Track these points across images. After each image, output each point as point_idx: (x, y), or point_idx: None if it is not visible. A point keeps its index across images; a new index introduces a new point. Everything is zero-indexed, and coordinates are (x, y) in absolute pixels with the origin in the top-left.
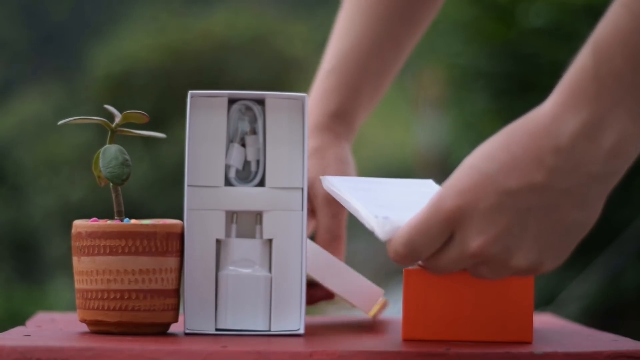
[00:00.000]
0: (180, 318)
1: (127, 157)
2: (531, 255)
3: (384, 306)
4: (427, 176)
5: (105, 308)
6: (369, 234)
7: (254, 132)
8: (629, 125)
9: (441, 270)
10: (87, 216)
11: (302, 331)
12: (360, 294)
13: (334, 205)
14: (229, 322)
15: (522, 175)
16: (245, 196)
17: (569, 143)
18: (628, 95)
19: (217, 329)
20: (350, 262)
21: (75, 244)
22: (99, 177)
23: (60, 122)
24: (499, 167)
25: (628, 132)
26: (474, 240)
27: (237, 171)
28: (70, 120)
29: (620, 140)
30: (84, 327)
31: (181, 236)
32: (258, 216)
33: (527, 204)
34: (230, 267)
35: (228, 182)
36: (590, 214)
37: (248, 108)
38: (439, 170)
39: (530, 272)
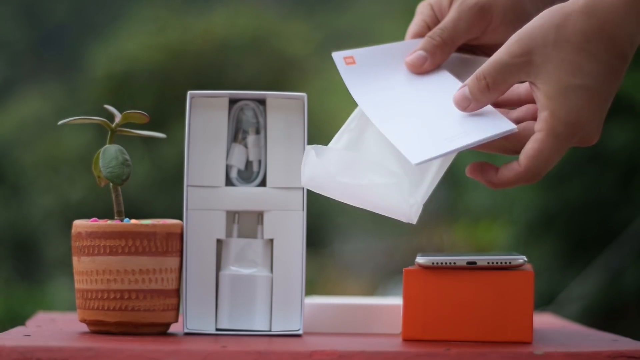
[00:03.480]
0: (180, 318)
1: (127, 157)
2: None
3: None
4: None
5: (105, 308)
6: (368, 234)
7: (255, 132)
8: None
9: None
10: (87, 216)
11: (302, 331)
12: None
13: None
14: (229, 322)
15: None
16: (246, 196)
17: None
18: None
19: (217, 329)
20: (350, 262)
21: (75, 244)
22: (99, 177)
23: (60, 122)
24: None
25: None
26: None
27: (239, 171)
28: (70, 120)
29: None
30: (84, 327)
31: (181, 236)
32: (259, 216)
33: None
34: (231, 267)
35: (230, 182)
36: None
37: (249, 108)
38: None
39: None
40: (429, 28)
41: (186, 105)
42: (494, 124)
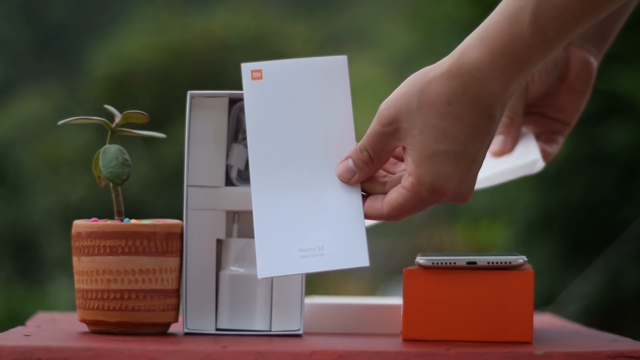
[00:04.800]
0: (180, 318)
1: (127, 157)
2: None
3: None
4: None
5: (105, 308)
6: (368, 234)
7: None
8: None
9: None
10: (87, 216)
11: (302, 331)
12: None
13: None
14: (229, 322)
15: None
16: (246, 196)
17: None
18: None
19: (217, 329)
20: None
21: (75, 244)
22: (99, 177)
23: (60, 122)
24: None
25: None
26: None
27: (239, 171)
28: (70, 120)
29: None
30: (84, 327)
31: (181, 236)
32: None
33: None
34: (231, 267)
35: (230, 182)
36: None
37: None
38: None
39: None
40: None
41: (186, 105)
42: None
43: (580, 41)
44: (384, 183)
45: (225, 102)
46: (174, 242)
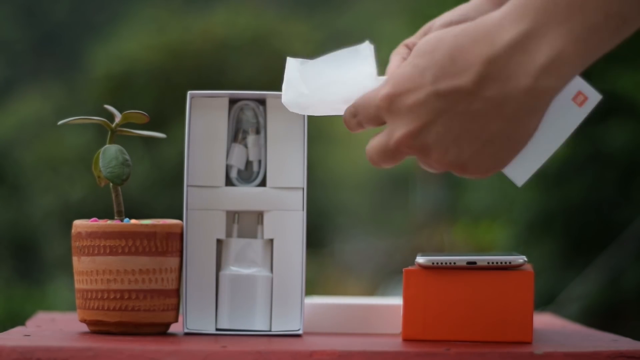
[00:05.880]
0: (180, 318)
1: (127, 157)
2: (451, 155)
3: None
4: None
5: (105, 308)
6: (368, 234)
7: (255, 132)
8: (568, 45)
9: (371, 155)
10: (87, 216)
11: (302, 331)
12: None
13: None
14: (229, 322)
15: (452, 78)
16: (246, 196)
17: (503, 52)
18: (574, 16)
19: (217, 329)
20: (350, 262)
21: (75, 244)
22: (99, 177)
23: (60, 122)
24: (434, 67)
25: (565, 52)
26: (397, 131)
27: (239, 171)
28: (70, 120)
29: (555, 58)
30: (84, 327)
31: (181, 236)
32: (259, 216)
33: (453, 106)
34: (231, 267)
35: (230, 182)
36: (518, 128)
37: (249, 108)
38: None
39: (452, 169)
40: None
41: (186, 105)
42: None
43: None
44: None
45: (225, 102)
46: (174, 242)
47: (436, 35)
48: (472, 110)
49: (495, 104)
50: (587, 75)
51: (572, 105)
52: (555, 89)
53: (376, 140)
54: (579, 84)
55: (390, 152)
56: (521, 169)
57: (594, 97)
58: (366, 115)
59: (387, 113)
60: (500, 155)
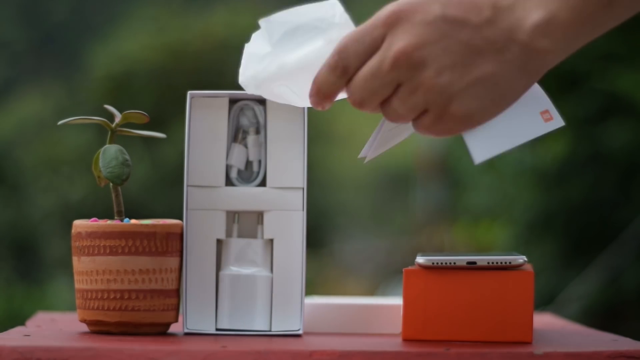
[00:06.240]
0: (180, 318)
1: (127, 157)
2: (444, 78)
3: None
4: (427, 177)
5: (105, 308)
6: (368, 234)
7: (255, 132)
8: (561, 10)
9: (359, 87)
10: (87, 216)
11: (302, 331)
12: None
13: None
14: (229, 322)
15: (461, 10)
16: (246, 196)
17: (505, 2)
18: None
19: (217, 329)
20: (350, 261)
21: (75, 244)
22: (99, 177)
23: (60, 122)
24: None
25: (559, 17)
26: (398, 43)
27: (239, 171)
28: (70, 120)
29: (549, 20)
30: (84, 327)
31: (181, 236)
32: (259, 216)
33: (456, 34)
34: (231, 267)
35: (230, 182)
36: (508, 80)
37: (249, 108)
38: (439, 171)
39: (436, 100)
40: None
41: (186, 105)
42: None
43: None
44: None
45: (225, 102)
46: (174, 242)
47: None
48: (472, 44)
49: (494, 48)
50: (587, 75)
51: (539, 117)
52: (547, 52)
53: (367, 65)
54: (549, 104)
55: (384, 72)
56: (483, 146)
57: (558, 122)
58: (356, 50)
59: (390, 29)
60: (484, 102)
